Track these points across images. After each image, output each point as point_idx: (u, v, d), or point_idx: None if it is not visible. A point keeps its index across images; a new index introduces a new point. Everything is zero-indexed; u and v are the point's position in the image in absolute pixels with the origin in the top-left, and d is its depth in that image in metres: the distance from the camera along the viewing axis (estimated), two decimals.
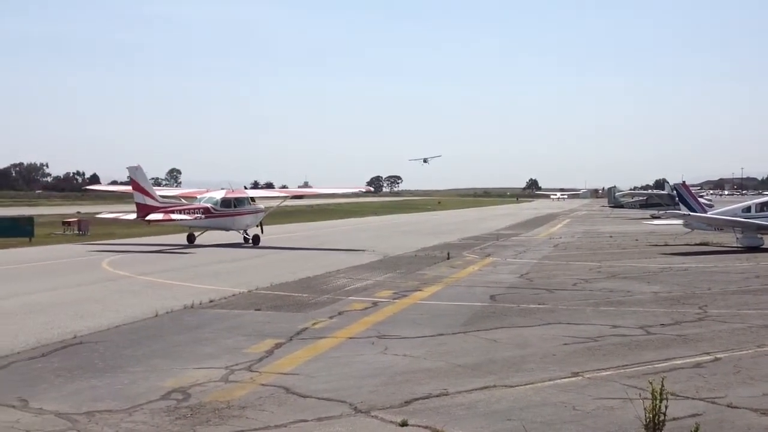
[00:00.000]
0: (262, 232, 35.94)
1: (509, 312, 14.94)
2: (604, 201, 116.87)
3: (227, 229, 35.43)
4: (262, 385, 9.31)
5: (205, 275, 21.74)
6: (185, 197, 38.19)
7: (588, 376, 9.71)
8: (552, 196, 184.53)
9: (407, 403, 8.48)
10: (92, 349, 11.44)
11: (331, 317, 14.30)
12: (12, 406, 8.40)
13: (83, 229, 42.05)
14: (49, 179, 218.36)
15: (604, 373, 9.85)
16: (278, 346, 11.62)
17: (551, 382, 9.40)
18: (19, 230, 36.73)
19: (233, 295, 17.33)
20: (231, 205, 35.25)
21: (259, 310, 15.23)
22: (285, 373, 9.87)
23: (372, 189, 58.77)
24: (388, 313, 14.91)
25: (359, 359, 10.74)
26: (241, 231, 35.49)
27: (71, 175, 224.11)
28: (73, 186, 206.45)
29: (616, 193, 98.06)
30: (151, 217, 32.92)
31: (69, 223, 43.72)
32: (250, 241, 34.70)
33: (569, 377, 9.65)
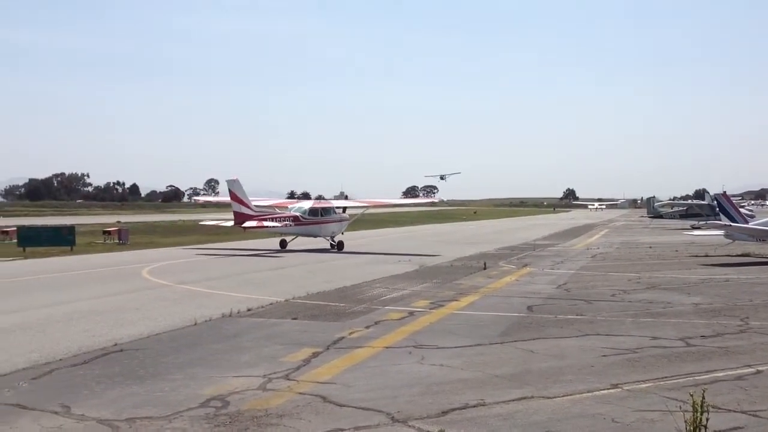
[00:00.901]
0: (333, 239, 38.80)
1: (547, 323, 14.83)
2: (643, 211, 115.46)
3: (315, 236, 38.56)
4: (300, 393, 9.36)
5: (243, 284, 21.92)
6: (278, 207, 41.88)
7: (627, 388, 9.60)
8: (590, 206, 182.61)
9: (444, 413, 8.47)
10: (132, 357, 11.60)
11: (367, 327, 14.33)
12: (55, 413, 8.55)
13: (123, 238, 42.72)
14: (89, 189, 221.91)
15: (644, 385, 9.73)
16: (315, 355, 11.67)
17: (590, 394, 9.32)
18: (61, 239, 37.39)
19: (270, 304, 17.45)
20: (318, 214, 38.77)
21: (296, 319, 15.31)
22: (322, 382, 9.91)
23: (444, 200, 60.96)
24: (424, 322, 14.90)
25: (396, 369, 10.75)
26: (328, 237, 38.64)
27: (111, 185, 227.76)
28: (113, 195, 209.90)
29: (656, 203, 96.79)
30: (247, 224, 36.46)
31: (109, 233, 44.48)
32: (335, 246, 37.82)
33: (608, 389, 9.55)
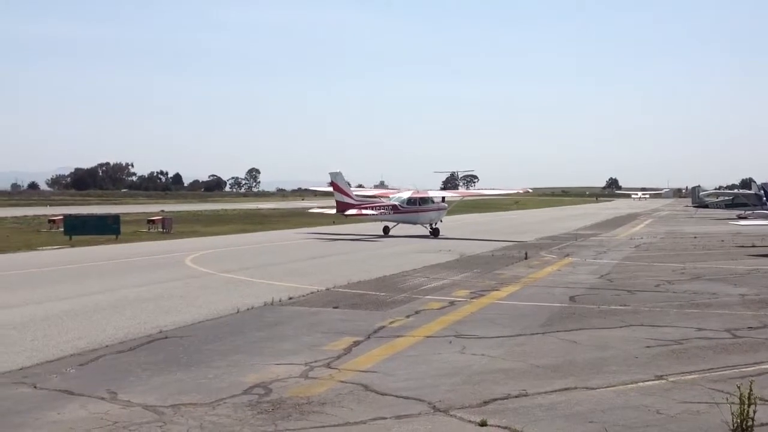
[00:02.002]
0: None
1: (589, 313, 14.69)
2: (688, 201, 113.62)
3: (413, 223, 41.32)
4: (341, 382, 9.41)
5: (285, 273, 22.07)
6: (381, 196, 45.47)
7: (672, 379, 9.47)
8: (633, 196, 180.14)
9: (486, 402, 8.44)
10: (177, 344, 11.77)
11: (408, 316, 14.34)
12: (102, 398, 8.71)
13: (167, 227, 43.28)
14: (134, 179, 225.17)
15: (689, 377, 9.59)
16: (356, 343, 11.72)
17: (634, 385, 9.21)
18: (107, 228, 38.03)
19: (311, 293, 17.55)
20: (416, 203, 41.59)
21: (336, 307, 15.38)
22: (363, 371, 9.95)
23: (530, 190, 62.39)
24: (465, 312, 14.86)
25: (437, 358, 10.74)
26: (426, 225, 41.27)
27: (155, 174, 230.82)
28: (157, 185, 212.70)
29: (701, 193, 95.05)
30: (349, 212, 40.59)
31: (153, 221, 45.10)
32: (432, 233, 40.61)
33: (652, 380, 9.44)
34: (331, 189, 41.85)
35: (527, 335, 12.45)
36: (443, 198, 44.91)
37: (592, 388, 9.07)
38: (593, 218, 67.82)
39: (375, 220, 42.38)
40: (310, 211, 55.13)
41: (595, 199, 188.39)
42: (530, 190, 66.31)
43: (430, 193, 44.33)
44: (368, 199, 44.08)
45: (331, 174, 41.54)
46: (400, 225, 41.94)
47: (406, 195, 42.37)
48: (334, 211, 42.42)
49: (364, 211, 41.05)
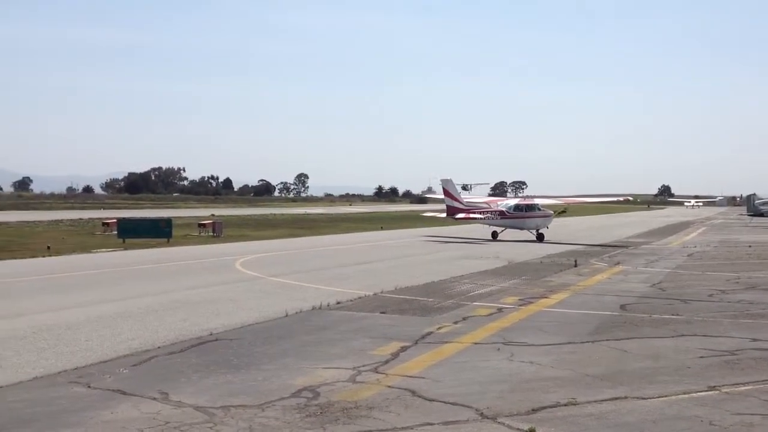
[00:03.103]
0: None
1: (640, 322, 14.47)
2: (742, 209, 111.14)
3: (520, 228, 43.53)
4: (389, 387, 9.42)
5: (332, 278, 22.19)
6: (491, 203, 48.33)
7: (725, 390, 9.28)
8: (686, 204, 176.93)
9: (534, 410, 8.38)
10: (227, 346, 11.92)
11: (455, 322, 14.30)
12: (153, 399, 8.87)
13: (217, 231, 43.85)
14: (185, 183, 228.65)
15: (743, 388, 9.38)
16: (403, 349, 11.73)
17: (686, 396, 9.05)
18: (159, 231, 38.69)
19: (359, 298, 17.62)
20: (522, 210, 43.89)
21: (384, 313, 15.42)
22: (411, 376, 9.95)
23: (630, 198, 64.65)
24: (513, 319, 14.77)
25: (485, 365, 10.70)
26: (532, 230, 43.26)
27: (206, 179, 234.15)
28: (207, 189, 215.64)
29: (756, 201, 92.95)
30: (458, 216, 44.99)
31: (204, 225, 45.76)
32: (537, 238, 42.58)
33: (705, 391, 9.25)
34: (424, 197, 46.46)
35: (576, 343, 12.32)
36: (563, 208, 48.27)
37: (643, 398, 8.93)
38: (645, 226, 66.73)
39: (483, 225, 45.22)
40: (424, 215, 58.93)
41: (647, 206, 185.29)
42: (630, 198, 68.12)
43: (536, 200, 46.82)
44: (478, 204, 47.78)
45: (442, 181, 45.63)
46: (508, 231, 43.94)
47: (513, 202, 45.64)
48: (444, 215, 46.63)
49: (472, 216, 44.58)
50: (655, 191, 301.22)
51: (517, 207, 44.19)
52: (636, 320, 14.68)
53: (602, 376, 10.04)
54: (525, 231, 43.35)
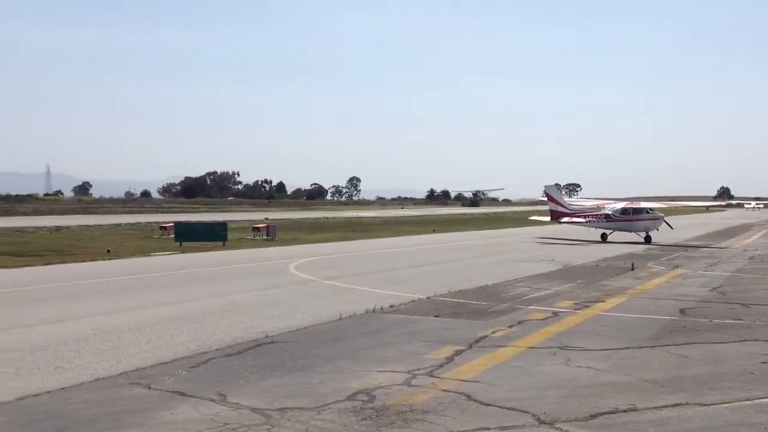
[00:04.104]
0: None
1: (701, 327, 14.15)
2: None
3: (627, 231, 44.79)
4: (444, 390, 9.39)
5: (385, 281, 22.22)
6: (599, 206, 48.76)
7: None
8: (746, 206, 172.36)
9: (593, 416, 8.25)
10: (282, 349, 12.01)
11: (510, 326, 14.18)
12: (212, 400, 8.98)
13: (271, 234, 44.28)
14: (239, 187, 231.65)
15: None
16: (458, 353, 11.68)
17: (749, 402, 8.82)
18: (214, 235, 39.21)
19: (413, 301, 17.59)
20: (629, 213, 45.10)
21: (438, 316, 15.37)
22: (466, 380, 9.90)
23: (732, 202, 66.57)
24: (569, 323, 14.58)
25: (541, 369, 10.58)
26: (640, 233, 44.45)
27: (259, 183, 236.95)
28: (261, 193, 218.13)
29: None
30: (562, 219, 46.82)
31: (258, 229, 46.25)
32: (645, 240, 43.63)
33: None
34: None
35: (635, 348, 12.11)
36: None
37: (705, 404, 8.73)
38: (704, 228, 65.30)
39: (588, 228, 46.39)
40: (530, 218, 60.27)
41: (705, 208, 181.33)
42: (732, 202, 69.04)
43: (642, 204, 47.67)
44: (585, 208, 49.22)
45: (547, 187, 48.54)
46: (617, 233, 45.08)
47: (620, 206, 46.22)
48: (548, 218, 48.40)
49: (575, 219, 46.16)
50: (713, 193, 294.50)
51: (624, 210, 45.32)
52: (696, 325, 14.37)
53: (662, 381, 9.85)
54: (632, 233, 44.49)
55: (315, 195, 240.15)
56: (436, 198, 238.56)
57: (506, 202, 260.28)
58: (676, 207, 58.84)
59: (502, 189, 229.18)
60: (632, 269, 25.83)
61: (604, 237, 45.94)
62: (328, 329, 13.91)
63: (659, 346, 12.22)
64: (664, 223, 45.89)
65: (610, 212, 45.61)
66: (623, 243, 41.98)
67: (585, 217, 46.24)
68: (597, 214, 46.05)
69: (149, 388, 9.59)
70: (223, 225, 40.95)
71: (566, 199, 48.89)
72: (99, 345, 12.36)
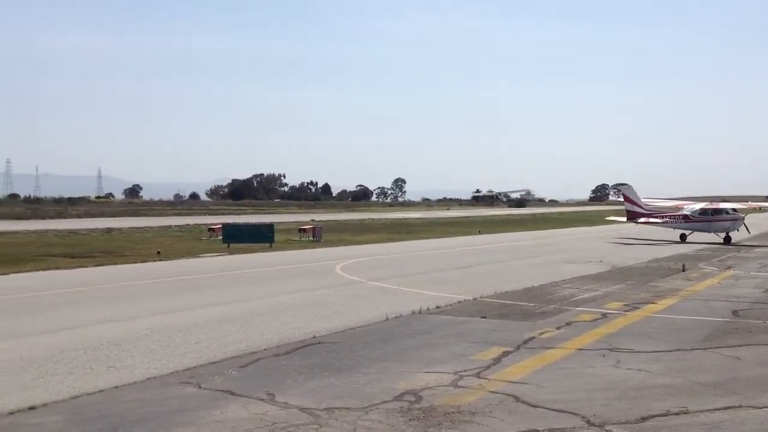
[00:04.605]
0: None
1: (755, 329, 13.86)
2: None
3: (705, 231, 44.83)
4: (491, 392, 9.35)
5: (430, 282, 22.20)
6: (678, 207, 49.41)
7: None
8: None
9: (644, 419, 8.14)
10: (329, 349, 12.08)
11: (558, 327, 14.06)
12: (261, 399, 9.08)
13: (317, 236, 44.52)
14: (285, 189, 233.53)
15: None
16: (505, 354, 11.62)
17: None
18: (261, 236, 39.54)
19: (459, 302, 17.55)
20: (708, 214, 44.78)
21: (484, 317, 15.30)
22: (513, 382, 9.84)
23: None
24: (619, 325, 14.40)
25: (590, 371, 10.47)
26: (719, 233, 44.40)
27: (305, 184, 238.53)
28: (307, 195, 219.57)
29: None
30: (639, 220, 47.11)
31: (304, 230, 46.52)
32: (725, 240, 43.53)
33: None
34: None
35: (686, 350, 11.91)
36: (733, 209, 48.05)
37: (759, 407, 8.56)
38: (757, 228, 63.72)
39: (665, 228, 46.78)
40: (606, 219, 61.51)
41: (758, 208, 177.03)
42: None
43: (722, 205, 47.09)
44: (659, 208, 49.77)
45: (623, 187, 49.49)
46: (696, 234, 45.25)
47: (698, 206, 46.01)
48: (624, 219, 48.75)
49: (652, 220, 46.55)
50: (767, 192, 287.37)
51: (703, 211, 45.06)
52: (750, 326, 14.08)
53: (714, 384, 9.68)
54: (711, 234, 44.49)
55: (360, 196, 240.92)
56: (482, 199, 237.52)
57: (553, 202, 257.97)
58: (755, 207, 58.77)
59: (520, 191, 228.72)
60: (683, 270, 25.40)
61: (683, 237, 45.92)
62: (374, 330, 13.96)
63: (711, 348, 12.00)
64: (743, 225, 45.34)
65: (688, 213, 45.61)
66: (697, 243, 42.25)
67: (662, 217, 46.43)
68: (675, 215, 46.17)
69: (200, 387, 9.73)
70: (270, 226, 41.27)
71: (643, 199, 48.67)
72: (150, 345, 12.58)
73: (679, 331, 13.63)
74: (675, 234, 46.62)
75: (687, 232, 46.04)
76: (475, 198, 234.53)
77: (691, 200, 51.25)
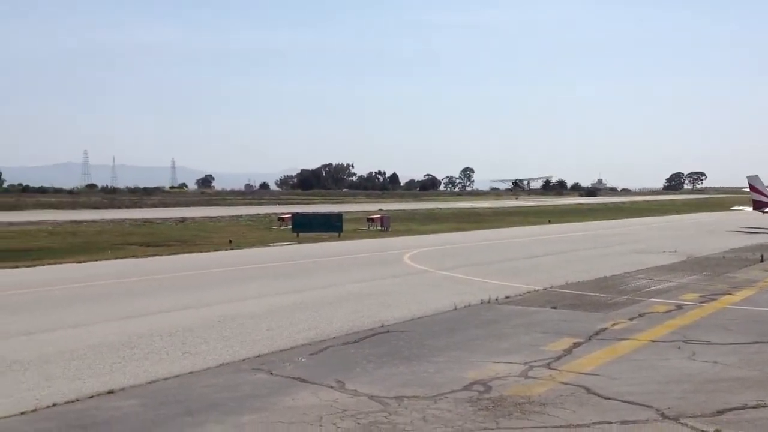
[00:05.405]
0: None
1: None
2: None
3: None
4: (562, 383, 9.24)
5: (500, 272, 22.03)
6: None
7: None
8: None
9: (720, 412, 7.94)
10: (398, 338, 12.13)
11: (631, 319, 13.80)
12: (331, 387, 9.18)
13: (385, 225, 44.68)
14: (354, 178, 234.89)
15: None
16: (576, 345, 11.46)
17: None
18: (330, 226, 39.91)
19: (528, 292, 17.39)
20: None
21: (555, 308, 15.12)
22: (585, 373, 9.71)
23: None
24: (694, 316, 14.05)
25: (663, 363, 10.25)
26: None
27: (373, 174, 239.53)
28: (375, 184, 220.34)
29: None
30: (766, 210, 47.61)
31: (373, 219, 46.75)
32: None
33: None
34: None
35: (764, 343, 11.55)
36: None
37: None
38: None
39: None
40: (732, 208, 62.55)
41: None
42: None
43: None
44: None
45: (749, 177, 48.80)
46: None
47: None
48: (750, 209, 49.83)
49: None
50: None
51: None
52: None
53: None
54: None
55: (428, 186, 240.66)
56: (551, 188, 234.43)
57: (625, 191, 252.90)
58: None
59: (543, 178, 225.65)
60: (761, 261, 24.59)
61: None
62: (442, 319, 13.95)
63: None
64: None
65: None
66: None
67: None
68: None
69: (271, 374, 9.89)
70: (339, 216, 41.60)
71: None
72: (223, 332, 12.84)
73: (757, 323, 13.22)
74: None
75: None
76: (544, 186, 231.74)
77: None
